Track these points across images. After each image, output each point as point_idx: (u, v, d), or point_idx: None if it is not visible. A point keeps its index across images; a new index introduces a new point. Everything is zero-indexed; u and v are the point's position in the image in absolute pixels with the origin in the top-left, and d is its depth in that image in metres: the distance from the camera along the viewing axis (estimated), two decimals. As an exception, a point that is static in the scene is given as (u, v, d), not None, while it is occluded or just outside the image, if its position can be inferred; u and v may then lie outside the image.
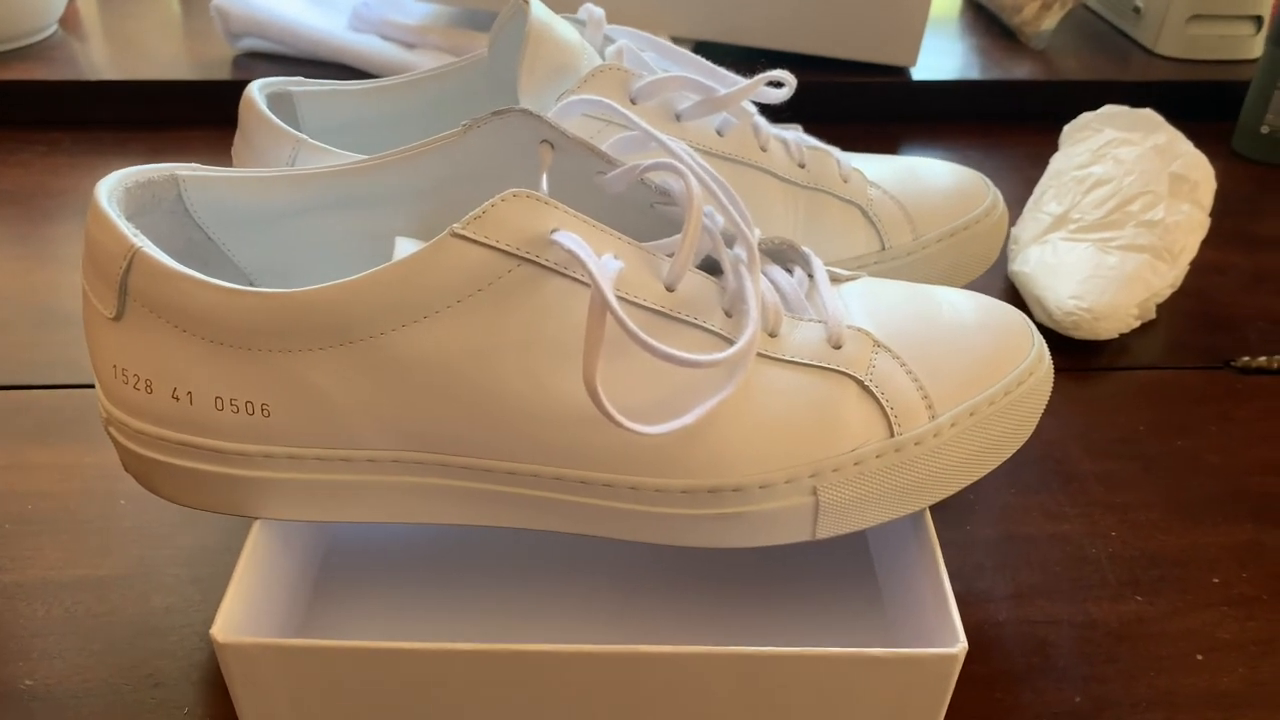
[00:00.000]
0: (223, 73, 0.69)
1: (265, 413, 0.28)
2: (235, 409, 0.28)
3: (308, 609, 0.34)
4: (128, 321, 0.29)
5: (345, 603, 0.34)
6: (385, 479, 0.30)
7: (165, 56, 0.72)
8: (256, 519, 0.31)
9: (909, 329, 0.32)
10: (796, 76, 0.39)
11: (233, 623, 0.28)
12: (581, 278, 0.28)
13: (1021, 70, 0.73)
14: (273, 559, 0.31)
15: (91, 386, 0.44)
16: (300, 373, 0.28)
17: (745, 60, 0.40)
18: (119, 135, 0.66)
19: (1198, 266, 0.51)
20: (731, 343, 0.29)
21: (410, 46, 0.68)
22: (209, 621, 0.34)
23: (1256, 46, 0.73)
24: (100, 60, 0.72)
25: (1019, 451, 0.33)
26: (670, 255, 0.30)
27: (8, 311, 0.49)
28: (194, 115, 0.68)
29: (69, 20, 0.76)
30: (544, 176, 0.31)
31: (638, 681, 0.28)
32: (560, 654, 0.28)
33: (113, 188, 0.29)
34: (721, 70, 0.38)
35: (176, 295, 0.27)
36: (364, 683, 0.29)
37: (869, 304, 0.33)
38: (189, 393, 0.29)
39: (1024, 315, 0.35)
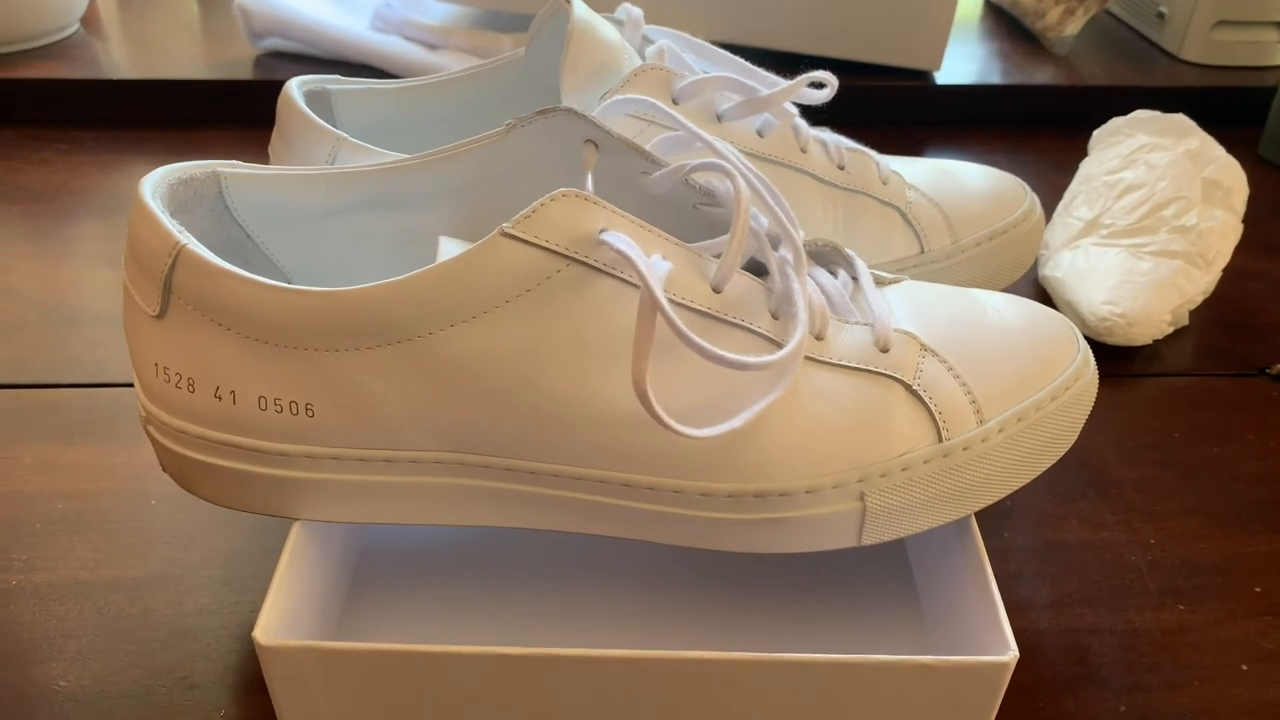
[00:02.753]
0: (243, 72, 0.69)
1: (310, 413, 0.28)
2: (279, 409, 0.28)
3: (343, 611, 0.33)
4: (171, 319, 0.28)
5: (379, 605, 0.34)
6: (427, 480, 0.30)
7: (186, 56, 0.72)
8: (296, 520, 0.30)
9: (955, 332, 0.32)
10: (827, 100, 0.38)
11: (274, 625, 0.28)
12: (630, 278, 0.28)
13: (1044, 75, 0.72)
14: (312, 561, 0.31)
15: (119, 386, 0.44)
16: (346, 372, 0.28)
17: (767, 64, 0.39)
18: (139, 134, 0.66)
19: (1230, 273, 0.51)
20: (779, 345, 0.29)
21: (433, 48, 0.68)
22: (243, 623, 0.34)
23: (1282, 53, 0.73)
24: (121, 59, 0.72)
25: (1056, 459, 0.33)
26: (717, 256, 0.30)
27: (32, 311, 0.49)
28: (215, 114, 0.67)
29: (90, 20, 0.76)
30: (589, 176, 0.30)
31: (678, 688, 0.28)
32: (598, 659, 0.27)
33: (157, 184, 0.29)
34: (762, 71, 0.38)
35: (221, 292, 0.27)
36: (403, 685, 0.28)
37: (913, 307, 0.33)
38: (232, 391, 0.28)
39: (1068, 320, 0.34)
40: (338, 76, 0.39)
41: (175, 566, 0.36)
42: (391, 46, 0.67)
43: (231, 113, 0.67)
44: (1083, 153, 0.56)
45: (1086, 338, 0.47)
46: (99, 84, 0.67)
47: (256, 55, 0.71)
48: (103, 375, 0.45)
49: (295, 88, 0.37)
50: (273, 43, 0.71)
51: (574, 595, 0.34)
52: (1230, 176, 0.51)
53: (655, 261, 0.27)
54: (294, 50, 0.70)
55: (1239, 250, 0.51)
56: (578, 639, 0.33)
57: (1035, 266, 0.52)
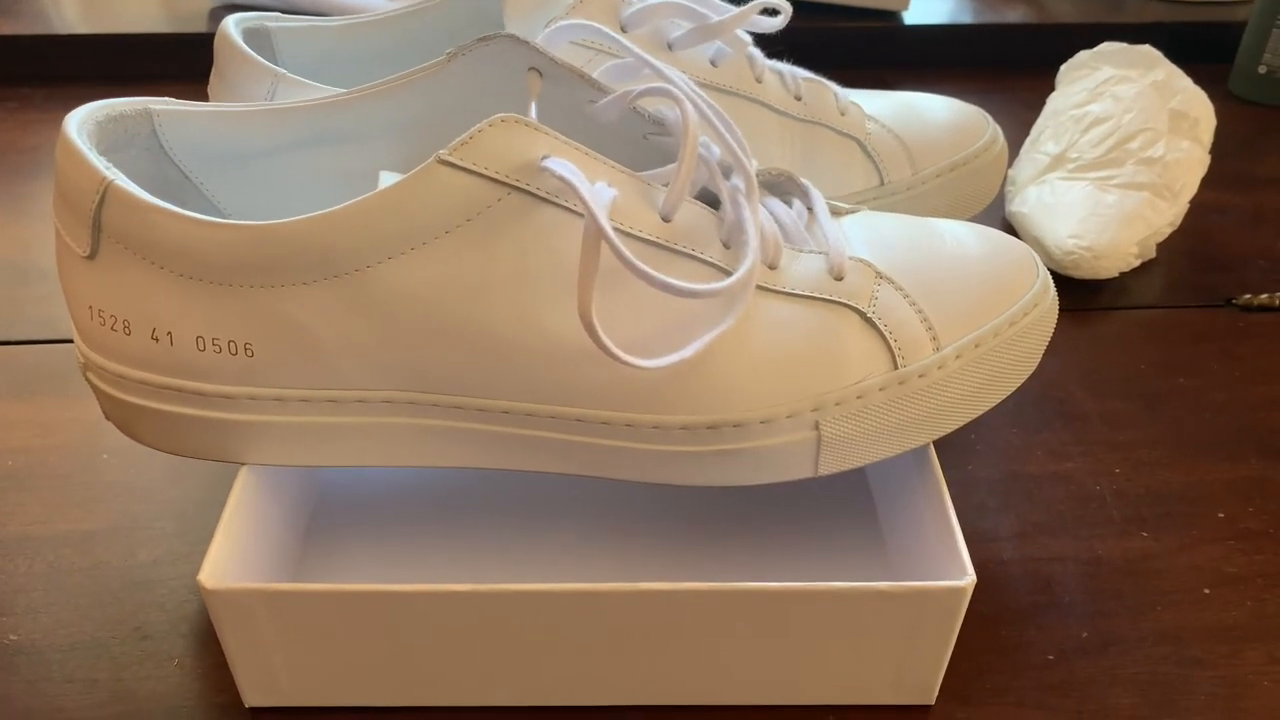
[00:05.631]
0: (199, 25, 0.67)
1: (249, 352, 0.27)
2: (217, 349, 0.27)
3: (300, 556, 0.33)
4: (102, 259, 0.27)
5: (338, 548, 0.33)
6: (375, 420, 0.29)
7: (139, 9, 0.70)
8: (244, 464, 0.30)
9: (911, 260, 0.31)
10: (788, 23, 0.37)
11: (220, 569, 0.27)
12: (574, 207, 0.27)
13: (1014, 14, 0.71)
14: (262, 505, 0.30)
15: (70, 341, 0.43)
16: (283, 309, 0.27)
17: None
18: (92, 90, 0.64)
19: (1197, 206, 0.51)
20: (730, 274, 0.29)
21: (391, -4, 0.66)
22: (196, 574, 0.33)
23: (1253, -13, 0.72)
24: (71, 15, 0.70)
25: (1020, 391, 0.33)
26: (666, 185, 0.29)
27: (-18, 268, 0.48)
28: (169, 69, 0.66)
29: (38, -25, 0.74)
30: (533, 105, 0.30)
31: (637, 620, 0.28)
32: (557, 593, 0.27)
33: (82, 120, 0.28)
34: (715, -1, 0.37)
35: (152, 229, 0.26)
36: (357, 627, 0.28)
37: (870, 236, 0.32)
38: (168, 333, 0.27)
39: (1027, 246, 0.34)
40: (277, 14, 0.38)
41: (127, 519, 0.35)
42: (350, -5, 0.66)
43: (186, 67, 0.65)
44: (1053, 90, 0.56)
45: (1053, 272, 0.46)
46: (48, 39, 0.66)
47: (211, 8, 0.69)
48: (53, 331, 0.44)
49: (232, 25, 0.36)
50: (227, -6, 0.69)
51: (533, 532, 0.34)
52: (1197, 107, 0.50)
53: (600, 188, 0.27)
54: (249, 1, 0.69)
55: (1207, 184, 0.51)
56: (536, 575, 0.32)
57: (1003, 203, 0.51)
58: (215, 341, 0.27)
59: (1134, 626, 0.32)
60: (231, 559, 0.28)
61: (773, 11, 0.36)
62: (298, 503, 0.33)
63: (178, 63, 0.66)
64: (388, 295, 0.27)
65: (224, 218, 0.33)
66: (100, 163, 0.27)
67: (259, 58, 0.35)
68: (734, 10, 0.36)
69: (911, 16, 0.69)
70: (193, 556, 0.34)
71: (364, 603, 0.27)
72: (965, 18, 0.71)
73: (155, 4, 0.71)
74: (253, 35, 0.37)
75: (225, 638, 0.28)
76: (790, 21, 0.38)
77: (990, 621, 0.32)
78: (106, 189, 0.26)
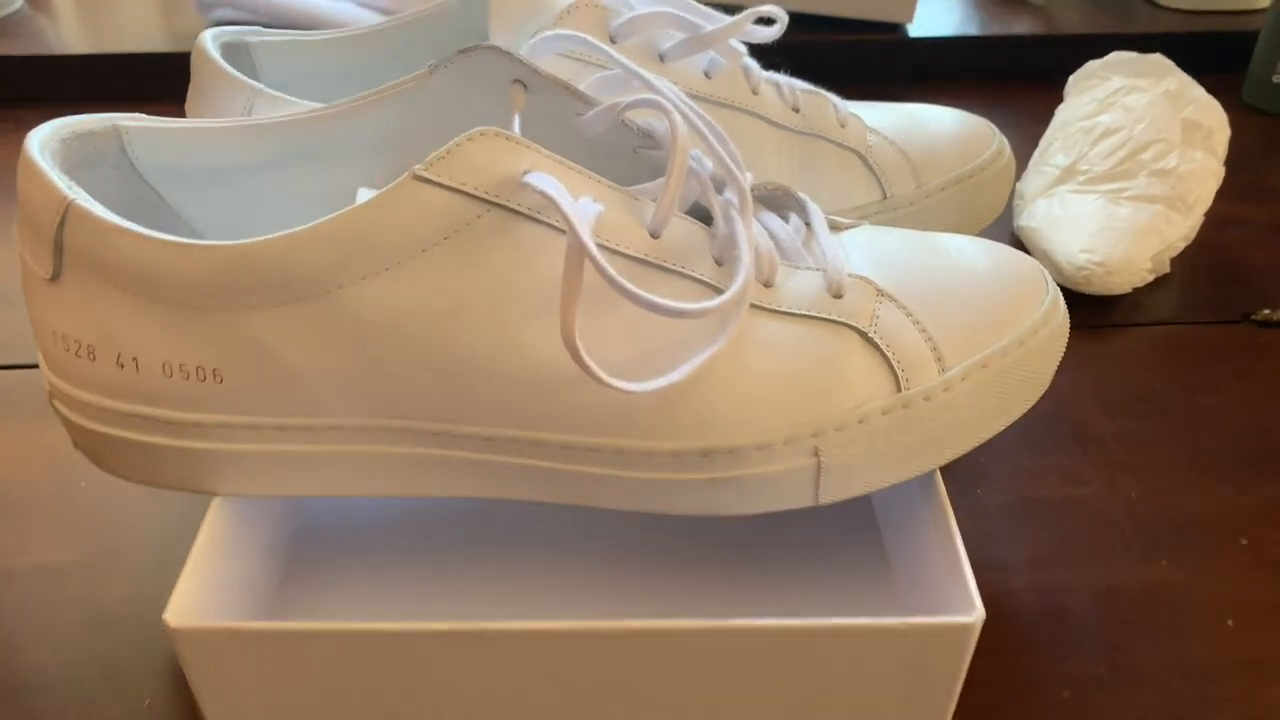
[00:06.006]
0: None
1: (218, 378, 0.26)
2: (185, 375, 0.26)
3: (277, 591, 0.32)
4: (66, 282, 0.26)
5: (318, 584, 0.32)
6: (352, 448, 0.28)
7: (137, 30, 0.69)
8: (216, 495, 0.28)
9: (915, 277, 0.30)
10: (790, 37, 0.36)
11: (189, 607, 0.26)
12: (557, 223, 0.26)
13: (1021, 26, 0.70)
14: (235, 538, 0.29)
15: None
16: (251, 333, 0.26)
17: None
18: (89, 111, 0.64)
19: (1212, 219, 0.49)
20: (722, 292, 0.27)
21: (388, 14, 0.66)
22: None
23: (1265, -5, 0.71)
24: (69, 35, 0.69)
25: (1031, 411, 0.31)
26: (655, 200, 0.28)
27: (-34, 291, 0.47)
28: (166, 90, 0.64)
29: (36, -3, 0.74)
30: (516, 119, 0.28)
31: (632, 660, 0.26)
32: (546, 632, 0.26)
33: (46, 138, 0.27)
34: (707, 9, 0.36)
35: (115, 251, 0.25)
36: (336, 668, 0.26)
37: (871, 252, 0.31)
38: (134, 359, 0.26)
39: (1036, 261, 0.33)
40: (258, 28, 0.37)
41: (102, 551, 0.34)
42: (344, 13, 0.65)
43: (181, 87, 0.64)
44: (1061, 102, 0.54)
45: (1063, 288, 0.45)
46: (44, 60, 0.65)
47: (209, 28, 0.68)
48: (33, 356, 0.43)
49: (209, 40, 0.35)
50: (223, 13, 0.68)
51: (520, 566, 0.32)
52: (1211, 117, 0.49)
53: (584, 204, 0.25)
54: (245, 20, 0.68)
55: (1221, 196, 0.49)
56: (525, 612, 0.31)
57: (1011, 217, 0.50)
58: (183, 367, 0.26)
59: (1154, 661, 0.31)
60: (201, 595, 0.27)
61: (768, 21, 0.35)
62: (274, 535, 0.32)
63: (171, 82, 0.64)
64: (359, 318, 0.25)
65: (199, 238, 0.31)
66: (62, 182, 0.26)
67: (235, 72, 0.34)
68: (728, 20, 0.34)
69: (916, 28, 0.68)
70: (168, 591, 0.32)
71: (343, 642, 0.26)
72: (971, 29, 0.70)
73: (153, 25, 0.70)
74: (232, 50, 0.36)
75: (194, 680, 0.26)
76: (792, 34, 0.37)
77: (1002, 655, 0.31)
78: (68, 209, 0.25)
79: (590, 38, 0.30)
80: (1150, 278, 0.46)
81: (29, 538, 0.34)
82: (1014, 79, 0.67)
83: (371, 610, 0.31)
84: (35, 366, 0.42)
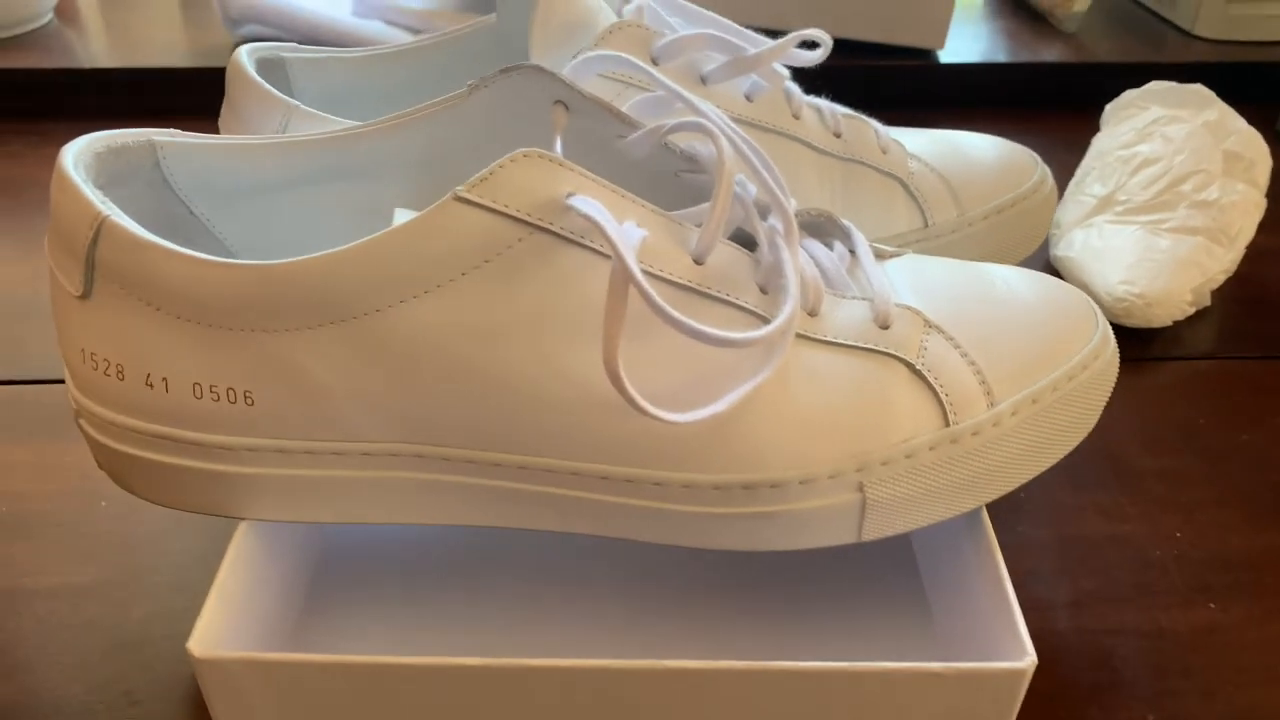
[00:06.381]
0: (222, 60, 0.66)
1: (248, 400, 0.26)
2: (215, 396, 0.26)
3: (300, 620, 0.31)
4: (96, 300, 0.26)
5: (341, 613, 0.31)
6: (382, 475, 0.27)
7: (164, 45, 0.69)
8: (242, 520, 0.28)
9: (963, 308, 0.29)
10: (820, 62, 0.35)
11: (212, 636, 0.25)
12: (600, 248, 0.25)
13: (1052, 53, 0.69)
14: (260, 564, 0.28)
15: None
16: (286, 355, 0.25)
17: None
18: (115, 124, 0.63)
19: (1254, 251, 0.48)
20: (767, 321, 0.26)
21: (417, 32, 0.65)
22: (191, 635, 0.31)
23: (1300, 26, 0.70)
24: (97, 49, 0.69)
25: (1070, 446, 0.31)
26: (699, 225, 0.27)
27: (-10, 304, 0.47)
28: (191, 104, 0.64)
29: (64, 10, 0.74)
30: (558, 140, 0.28)
31: (663, 700, 0.25)
32: (576, 670, 0.25)
33: (79, 152, 0.26)
34: (750, 31, 0.35)
35: (147, 268, 0.25)
36: (359, 702, 0.26)
37: (917, 281, 0.30)
38: (164, 379, 0.26)
39: (1083, 294, 0.32)
40: (294, 44, 0.36)
41: (122, 572, 0.33)
42: (373, 32, 0.65)
43: (207, 102, 0.64)
44: (1094, 131, 0.53)
45: (1103, 319, 0.44)
46: (73, 74, 0.65)
47: (236, 44, 0.68)
48: (59, 370, 0.42)
49: (245, 55, 0.34)
50: (251, 29, 0.68)
51: (551, 599, 0.31)
52: (1252, 149, 0.48)
53: (628, 228, 0.25)
54: (273, 36, 0.68)
55: (1263, 228, 0.48)
56: (554, 648, 0.30)
57: (1046, 247, 0.49)
58: (213, 389, 0.25)
59: (1204, 709, 0.30)
60: (225, 624, 0.26)
61: (812, 45, 0.34)
62: (299, 563, 0.31)
63: (199, 98, 0.64)
64: (399, 341, 0.25)
65: (231, 256, 0.31)
66: (96, 197, 0.25)
67: (272, 89, 0.33)
68: (771, 43, 0.34)
69: (947, 54, 0.67)
70: (188, 614, 0.31)
71: (366, 675, 0.25)
72: (1001, 56, 0.69)
73: (181, 40, 0.70)
74: (267, 66, 0.35)
75: (216, 710, 0.26)
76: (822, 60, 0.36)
77: (1046, 700, 0.30)
78: (101, 225, 0.25)
79: (633, 59, 0.30)
80: (1191, 310, 0.45)
81: (48, 558, 0.34)
82: (1045, 106, 0.67)
83: (394, 641, 0.30)
84: (57, 381, 0.41)
